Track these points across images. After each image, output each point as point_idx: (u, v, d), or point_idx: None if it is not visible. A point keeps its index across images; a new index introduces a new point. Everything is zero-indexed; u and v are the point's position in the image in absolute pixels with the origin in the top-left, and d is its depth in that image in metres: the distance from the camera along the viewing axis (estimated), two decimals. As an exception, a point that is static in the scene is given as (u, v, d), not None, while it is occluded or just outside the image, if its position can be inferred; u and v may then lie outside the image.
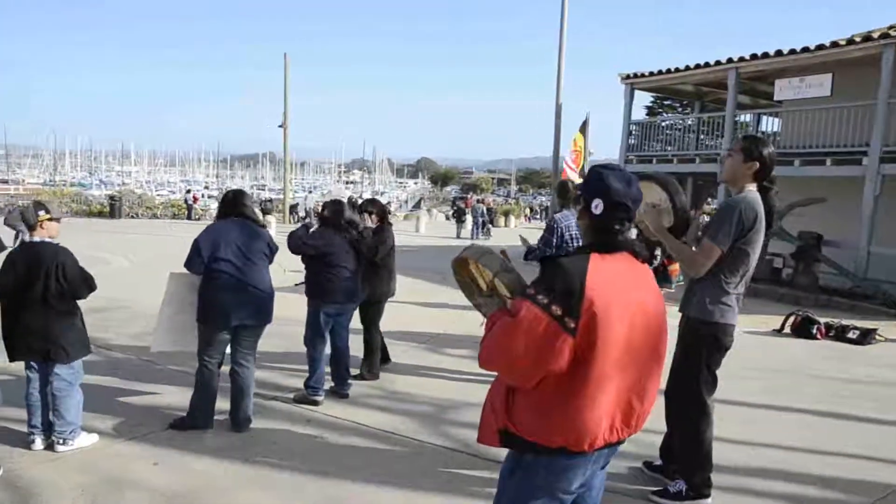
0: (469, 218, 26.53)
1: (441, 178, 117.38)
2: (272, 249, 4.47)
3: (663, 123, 18.38)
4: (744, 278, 3.30)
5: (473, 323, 2.40)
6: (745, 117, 16.20)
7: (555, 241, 5.26)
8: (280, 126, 28.41)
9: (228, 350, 4.42)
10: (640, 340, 1.96)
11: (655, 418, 3.47)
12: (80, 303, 4.06)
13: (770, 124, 17.03)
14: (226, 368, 4.43)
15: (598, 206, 2.01)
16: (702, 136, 15.84)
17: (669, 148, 16.50)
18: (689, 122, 16.44)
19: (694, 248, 3.38)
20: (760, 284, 11.70)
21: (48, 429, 3.96)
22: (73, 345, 3.96)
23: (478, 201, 31.75)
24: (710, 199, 21.24)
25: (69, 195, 32.22)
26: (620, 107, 16.45)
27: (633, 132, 17.04)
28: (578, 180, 13.15)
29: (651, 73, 15.58)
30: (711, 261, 3.19)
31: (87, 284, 4.01)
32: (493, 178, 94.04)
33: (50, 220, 3.98)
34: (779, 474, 3.92)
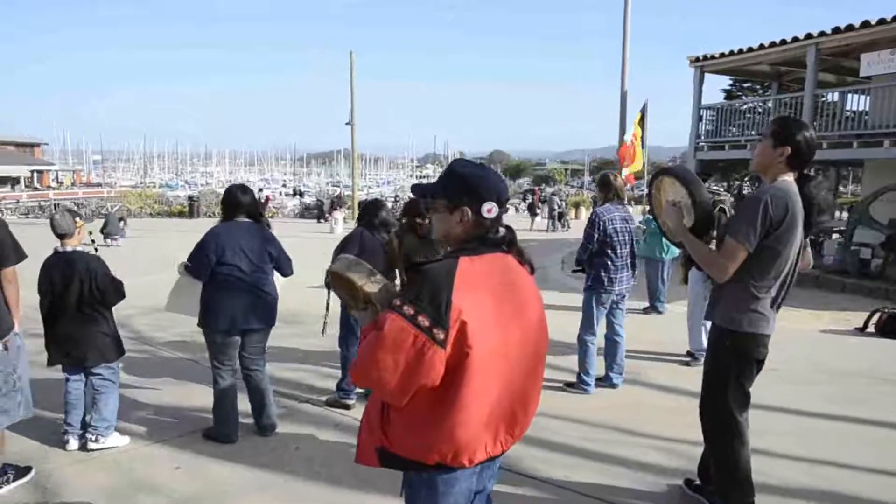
0: (544, 210, 26.20)
1: (513, 171, 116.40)
2: (279, 252, 4.27)
3: (743, 107, 17.34)
4: (780, 281, 2.90)
5: None
6: (833, 96, 15.06)
7: (597, 235, 4.98)
8: (347, 124, 28.79)
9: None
10: (517, 346, 1.86)
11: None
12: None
13: (857, 103, 15.79)
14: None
15: (492, 209, 1.88)
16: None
17: (752, 132, 15.54)
18: (769, 105, 15.44)
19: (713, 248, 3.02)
20: (846, 278, 10.86)
21: (83, 428, 4.04)
22: (108, 349, 4.05)
23: (552, 194, 31.25)
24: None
25: (153, 196, 33.84)
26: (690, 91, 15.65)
27: (708, 117, 16.17)
28: (630, 170, 12.59)
29: (722, 55, 14.71)
30: (736, 262, 2.81)
31: (117, 292, 4.08)
32: (566, 170, 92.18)
33: (83, 224, 4.11)
34: (838, 499, 3.49)
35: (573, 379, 5.29)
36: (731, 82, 29.38)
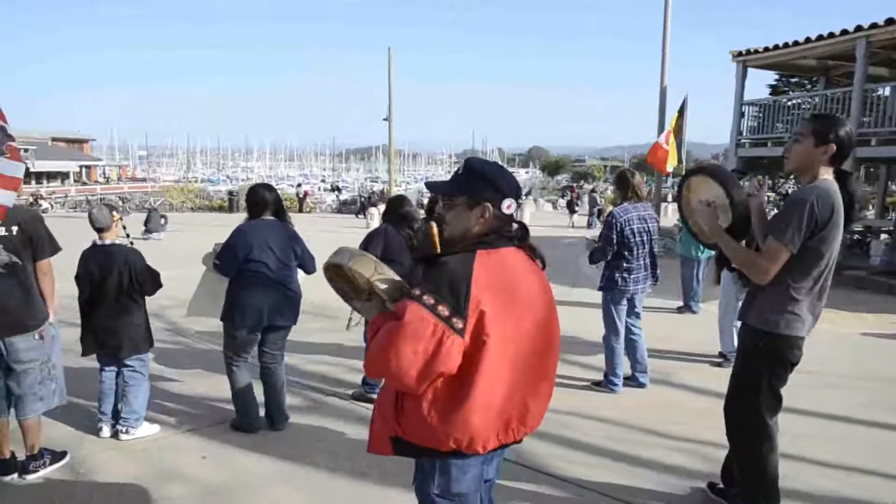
0: (583, 206, 25.99)
1: (552, 167, 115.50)
2: (303, 250, 4.31)
3: (789, 103, 16.84)
4: (819, 283, 2.79)
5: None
6: (885, 91, 14.49)
7: (615, 237, 4.87)
8: (385, 119, 28.91)
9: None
10: (530, 338, 1.90)
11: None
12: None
13: (911, 98, 15.18)
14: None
15: (511, 205, 1.93)
16: (828, 115, 14.31)
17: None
18: (816, 101, 14.96)
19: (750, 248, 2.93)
20: (892, 279, 10.50)
21: (115, 417, 4.16)
22: (142, 340, 4.16)
23: (591, 191, 30.95)
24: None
25: (194, 191, 34.65)
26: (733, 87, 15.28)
27: (753, 113, 15.75)
28: (671, 167, 12.34)
29: (766, 49, 14.29)
30: (779, 264, 2.71)
31: (155, 281, 4.18)
32: (605, 166, 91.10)
33: (120, 218, 4.21)
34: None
35: (601, 378, 5.23)
36: (777, 77, 28.57)
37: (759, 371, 2.89)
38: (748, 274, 2.89)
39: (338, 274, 2.15)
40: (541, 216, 30.00)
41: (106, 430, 4.15)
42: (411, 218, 4.86)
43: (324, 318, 7.43)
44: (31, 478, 3.56)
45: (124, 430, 4.10)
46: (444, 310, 1.75)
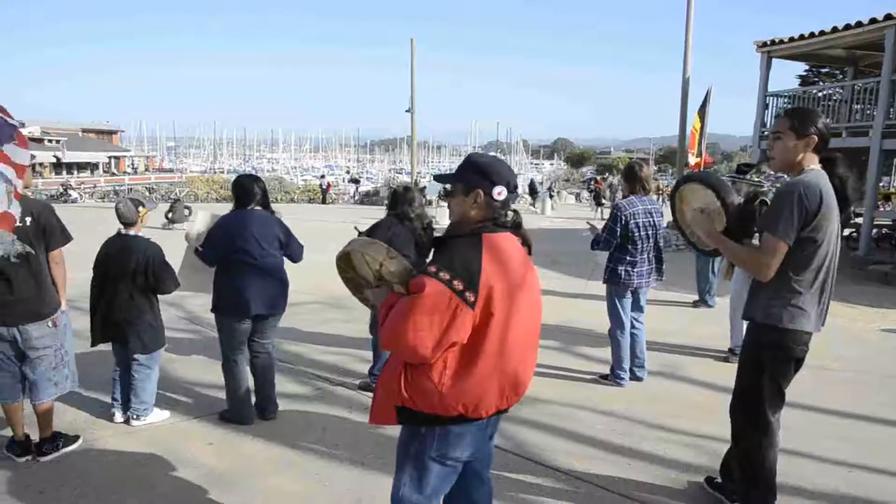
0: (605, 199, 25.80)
1: (577, 159, 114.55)
2: (289, 239, 4.32)
3: (820, 94, 16.48)
4: (821, 273, 2.79)
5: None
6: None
7: (619, 230, 4.85)
8: (407, 111, 28.91)
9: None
10: (522, 314, 2.11)
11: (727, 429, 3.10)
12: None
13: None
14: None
15: (501, 192, 2.13)
16: (856, 106, 14.01)
17: (827, 120, 14.71)
18: (841, 92, 14.63)
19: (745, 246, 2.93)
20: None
21: (126, 403, 4.26)
22: (151, 339, 4.18)
23: (617, 182, 30.68)
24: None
25: (220, 182, 35.04)
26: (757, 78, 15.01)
27: (781, 104, 15.46)
28: (694, 161, 12.18)
29: (792, 39, 14.01)
30: (777, 258, 2.73)
31: (173, 279, 4.17)
32: (630, 158, 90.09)
33: (146, 212, 4.23)
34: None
35: (608, 371, 5.22)
36: (807, 68, 27.97)
37: (762, 366, 2.88)
38: (750, 272, 2.94)
39: (348, 264, 2.34)
40: (564, 208, 29.85)
41: (118, 416, 4.27)
42: (414, 212, 4.80)
43: (336, 309, 7.53)
44: (45, 459, 3.68)
45: (135, 416, 4.20)
46: (458, 284, 1.96)
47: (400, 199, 4.85)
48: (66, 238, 3.74)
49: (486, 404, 2.09)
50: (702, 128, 12.08)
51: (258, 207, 4.22)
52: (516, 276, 2.09)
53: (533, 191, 31.24)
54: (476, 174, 2.16)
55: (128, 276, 4.03)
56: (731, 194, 3.03)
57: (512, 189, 2.16)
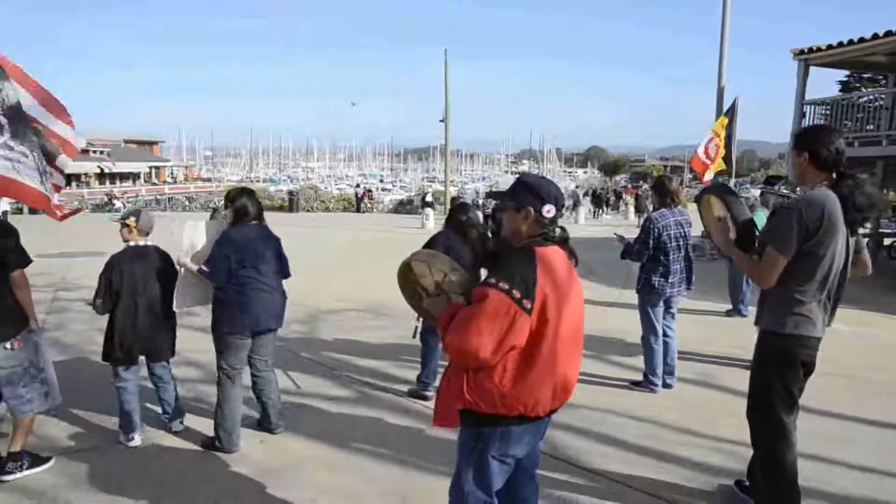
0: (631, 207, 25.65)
1: (610, 167, 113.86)
2: (282, 256, 4.30)
3: (861, 100, 16.23)
4: (825, 284, 2.94)
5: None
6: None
7: (651, 242, 5.01)
8: (441, 121, 29.25)
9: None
10: (570, 321, 2.31)
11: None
12: None
13: None
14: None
15: (550, 210, 2.34)
16: (897, 113, 13.77)
17: (869, 127, 14.54)
18: (884, 98, 14.39)
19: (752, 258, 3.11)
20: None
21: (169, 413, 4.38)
22: (170, 347, 4.33)
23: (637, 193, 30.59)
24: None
25: (256, 191, 35.77)
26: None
27: (820, 112, 15.29)
28: (713, 171, 12.12)
29: (830, 46, 13.86)
30: (776, 270, 2.91)
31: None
32: (665, 166, 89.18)
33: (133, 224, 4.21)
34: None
35: (640, 378, 5.34)
36: (847, 74, 27.49)
37: (771, 371, 3.03)
38: (753, 280, 3.17)
39: (409, 274, 2.56)
40: (595, 219, 29.77)
41: (137, 439, 4.17)
42: (471, 225, 4.97)
43: (379, 317, 7.78)
44: (4, 479, 3.65)
45: (180, 421, 4.37)
46: (516, 293, 2.16)
47: (456, 213, 5.10)
48: (21, 261, 3.65)
49: (543, 403, 2.28)
50: (727, 136, 11.99)
51: (254, 221, 4.17)
52: (564, 285, 2.28)
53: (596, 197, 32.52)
54: (527, 193, 2.37)
55: (147, 287, 4.12)
56: (737, 207, 3.24)
57: (560, 207, 2.37)
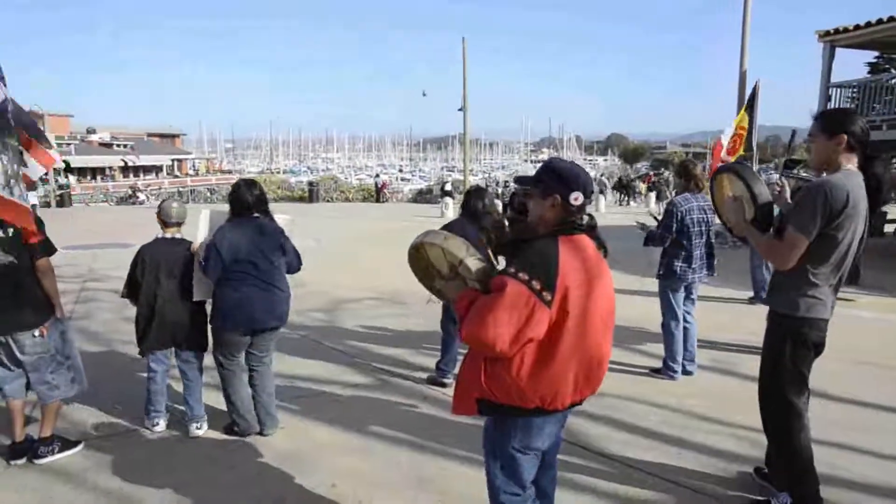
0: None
1: (631, 154, 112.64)
2: (289, 248, 4.13)
3: (892, 81, 15.85)
4: (839, 268, 2.92)
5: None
6: None
7: (675, 226, 4.98)
8: (460, 110, 29.18)
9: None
10: (597, 313, 2.21)
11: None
12: None
13: None
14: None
15: (578, 198, 2.24)
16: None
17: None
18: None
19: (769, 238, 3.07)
20: None
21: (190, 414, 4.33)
22: (198, 338, 4.26)
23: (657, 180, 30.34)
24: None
25: (276, 182, 36.06)
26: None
27: (847, 95, 15.00)
28: (733, 159, 11.91)
29: (857, 27, 13.57)
30: (797, 252, 2.87)
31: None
32: (686, 153, 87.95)
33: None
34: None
35: (660, 365, 5.33)
36: (877, 55, 26.85)
37: (782, 352, 3.02)
38: (771, 262, 3.12)
39: (420, 255, 2.48)
40: (620, 207, 29.57)
41: (161, 424, 4.25)
42: (486, 212, 4.86)
43: (394, 304, 7.84)
44: (39, 462, 3.76)
45: (198, 426, 4.21)
46: (536, 284, 2.08)
47: (472, 199, 5.01)
48: (48, 249, 3.71)
49: (562, 397, 2.21)
50: (750, 123, 11.80)
51: (256, 214, 4.04)
52: (591, 276, 2.18)
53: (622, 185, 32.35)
54: (555, 179, 2.28)
55: (175, 279, 4.13)
56: (759, 186, 3.18)
57: (588, 194, 2.27)
